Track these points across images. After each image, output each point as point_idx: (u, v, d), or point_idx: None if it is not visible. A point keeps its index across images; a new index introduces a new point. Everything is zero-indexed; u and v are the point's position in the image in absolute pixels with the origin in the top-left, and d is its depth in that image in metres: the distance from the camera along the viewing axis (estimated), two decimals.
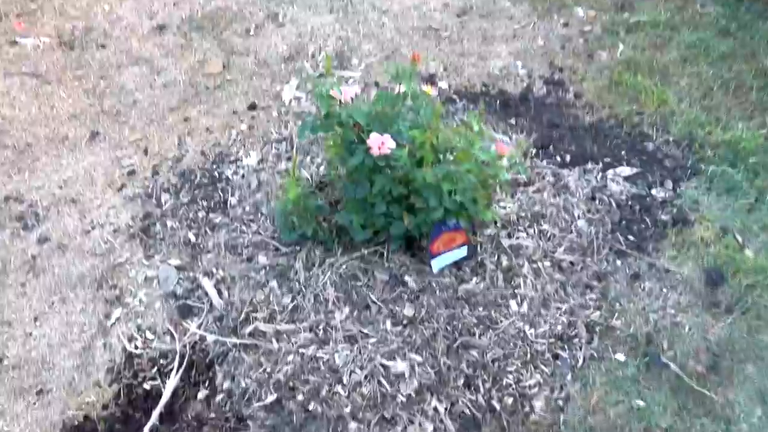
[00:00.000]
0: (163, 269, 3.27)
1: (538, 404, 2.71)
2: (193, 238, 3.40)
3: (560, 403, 2.74)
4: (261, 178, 3.62)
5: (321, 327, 2.80)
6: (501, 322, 2.89)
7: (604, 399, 2.78)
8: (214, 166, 3.81)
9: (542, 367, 2.86)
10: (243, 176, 3.68)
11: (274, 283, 2.99)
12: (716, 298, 3.14)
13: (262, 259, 3.13)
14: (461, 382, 2.70)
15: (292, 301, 2.91)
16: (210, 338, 2.91)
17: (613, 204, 3.49)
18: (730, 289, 3.17)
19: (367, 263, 3.02)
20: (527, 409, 2.70)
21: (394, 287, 2.93)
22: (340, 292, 2.91)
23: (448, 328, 2.84)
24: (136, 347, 3.00)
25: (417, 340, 2.78)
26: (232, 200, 3.55)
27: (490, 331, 2.87)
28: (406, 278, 2.96)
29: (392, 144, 2.51)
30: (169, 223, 3.49)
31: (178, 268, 3.27)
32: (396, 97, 2.62)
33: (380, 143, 2.49)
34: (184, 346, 2.97)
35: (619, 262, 3.28)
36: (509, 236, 3.16)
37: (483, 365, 2.75)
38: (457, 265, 3.03)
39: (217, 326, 2.96)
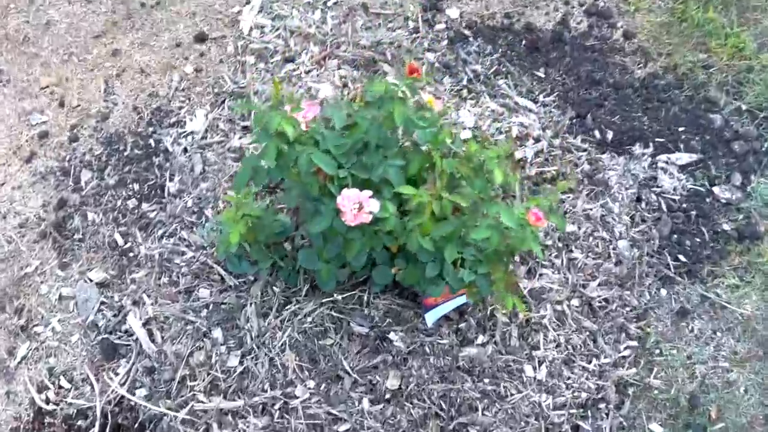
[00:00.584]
0: (82, 288, 2.54)
1: None
2: (120, 241, 2.64)
3: None
4: (207, 158, 2.76)
5: (277, 407, 2.14)
6: (512, 395, 2.24)
7: None
8: (150, 130, 2.93)
9: None
10: (185, 150, 2.82)
11: (218, 334, 2.29)
12: None
13: (203, 292, 2.40)
14: None
15: (240, 362, 2.23)
16: (139, 398, 2.27)
17: (664, 207, 2.69)
18: None
19: (341, 311, 2.30)
20: None
21: (375, 348, 2.24)
22: (303, 356, 2.22)
23: (444, 404, 2.20)
24: (48, 401, 2.37)
25: (402, 423, 2.15)
26: (171, 187, 2.73)
27: (497, 405, 2.23)
28: (392, 335, 2.25)
29: (375, 206, 1.68)
30: (90, 216, 2.71)
31: (101, 286, 2.55)
32: (382, 123, 1.74)
33: (356, 207, 1.66)
34: (108, 402, 2.34)
35: (664, 293, 2.57)
36: (530, 273, 2.41)
37: None
38: (460, 312, 2.31)
39: (149, 381, 2.31)
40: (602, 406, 2.34)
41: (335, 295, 2.29)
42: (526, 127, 2.72)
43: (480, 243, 1.76)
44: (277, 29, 3.20)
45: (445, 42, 3.13)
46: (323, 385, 2.18)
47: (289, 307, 2.29)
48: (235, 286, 2.39)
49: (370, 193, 1.68)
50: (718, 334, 2.51)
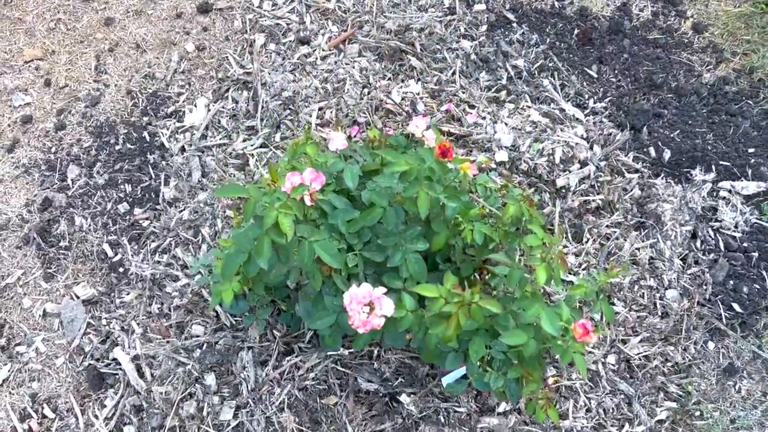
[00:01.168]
0: (68, 306, 2.32)
1: None
2: (109, 251, 2.38)
3: None
4: (207, 163, 2.44)
5: None
6: None
7: None
8: (145, 120, 2.60)
9: None
10: (183, 149, 2.50)
11: (211, 380, 2.06)
12: None
13: (196, 329, 2.15)
14: None
15: (234, 417, 2.01)
16: None
17: (722, 246, 2.36)
18: None
19: (347, 366, 2.05)
20: None
21: (384, 410, 2.00)
22: (303, 417, 1.99)
23: None
24: (31, 431, 2.19)
25: None
26: (167, 192, 2.43)
27: None
28: (403, 396, 2.01)
29: (389, 308, 1.38)
30: (77, 221, 2.44)
31: (88, 304, 2.31)
32: (403, 205, 1.41)
33: (366, 310, 1.37)
34: None
35: (711, 346, 2.28)
36: None
37: None
38: None
39: (137, 420, 2.11)
40: None
41: (341, 348, 2.03)
42: (572, 147, 2.35)
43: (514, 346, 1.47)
44: (292, 2, 2.79)
45: (484, 27, 2.70)
46: None
47: (289, 358, 2.05)
48: (231, 325, 2.14)
49: (383, 291, 1.38)
50: None
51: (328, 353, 2.04)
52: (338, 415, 2.00)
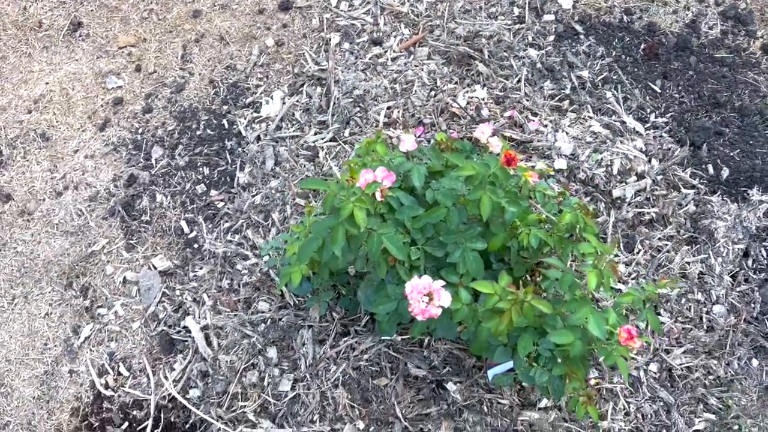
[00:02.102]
0: (146, 275, 2.53)
1: None
2: (186, 228, 2.58)
3: None
4: (280, 153, 2.61)
5: None
6: None
7: None
8: (225, 109, 2.79)
9: None
10: (258, 138, 2.68)
11: (272, 353, 2.24)
12: None
13: (262, 305, 2.33)
14: None
15: (292, 389, 2.18)
16: (192, 402, 2.28)
17: None
18: None
19: (399, 351, 2.19)
20: None
21: (431, 396, 2.13)
22: (355, 394, 2.14)
23: None
24: (107, 386, 2.41)
25: None
26: (241, 177, 2.61)
27: None
28: (449, 384, 2.14)
29: (447, 299, 1.51)
30: (158, 197, 2.65)
31: (164, 275, 2.52)
32: (467, 207, 1.53)
33: (425, 300, 1.50)
34: (163, 397, 2.37)
35: (755, 364, 2.33)
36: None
37: None
38: None
39: (202, 385, 2.30)
40: None
41: (395, 334, 2.17)
42: (630, 160, 2.42)
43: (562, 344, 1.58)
44: (368, 3, 2.93)
45: (552, 38, 2.78)
46: (372, 428, 2.12)
47: (346, 339, 2.20)
48: (294, 304, 2.31)
49: (442, 283, 1.51)
50: None
51: (382, 338, 2.18)
52: (387, 396, 2.14)
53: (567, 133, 2.47)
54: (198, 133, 2.75)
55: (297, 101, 2.72)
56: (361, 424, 2.12)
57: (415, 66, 2.73)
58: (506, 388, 2.13)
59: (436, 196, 1.57)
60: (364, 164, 1.82)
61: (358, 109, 2.63)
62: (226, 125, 2.75)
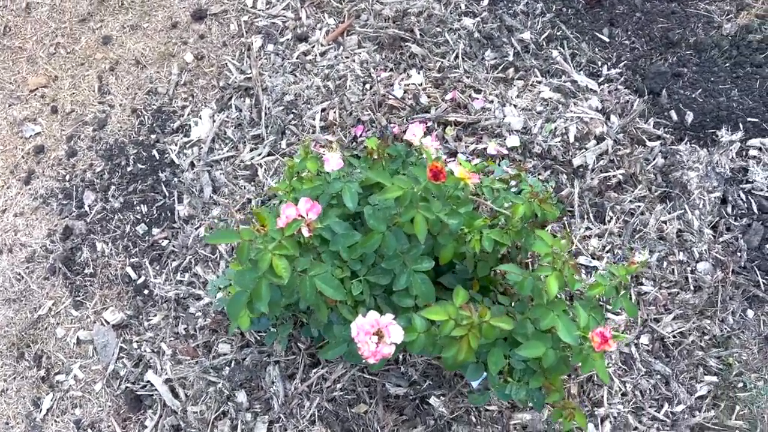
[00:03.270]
0: (99, 332, 2.36)
1: None
2: (132, 274, 2.41)
3: None
4: (216, 178, 2.42)
5: None
6: None
7: None
8: (153, 138, 2.59)
9: None
10: (193, 165, 2.49)
11: (242, 397, 2.09)
12: None
13: (223, 347, 2.17)
14: None
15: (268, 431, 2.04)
16: None
17: (755, 209, 2.25)
18: None
19: (374, 373, 2.04)
20: None
21: (415, 414, 1.99)
22: (335, 428, 2.00)
23: None
24: None
25: None
26: (181, 210, 2.43)
27: None
28: (432, 399, 2.00)
29: (398, 335, 1.35)
30: (99, 246, 2.47)
31: (118, 328, 2.36)
32: (402, 229, 1.36)
33: (375, 340, 1.34)
34: None
35: (751, 314, 2.20)
36: None
37: None
38: None
39: None
40: None
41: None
42: (586, 123, 2.25)
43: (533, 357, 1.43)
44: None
45: (486, 2, 2.58)
46: None
47: (316, 370, 2.05)
48: (256, 340, 2.15)
49: (391, 317, 1.35)
50: None
51: (354, 363, 2.04)
52: (370, 423, 2.00)
53: (515, 106, 2.29)
54: (129, 169, 2.56)
55: (227, 117, 2.53)
56: None
57: (346, 58, 2.53)
58: (493, 393, 2.00)
59: (369, 221, 1.40)
60: (293, 188, 1.65)
61: (291, 116, 2.44)
62: (157, 155, 2.56)
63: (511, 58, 2.45)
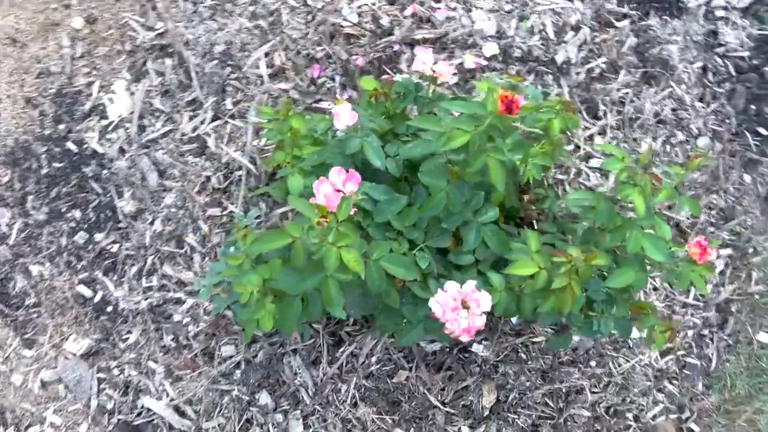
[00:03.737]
0: (66, 366, 2.01)
1: None
2: (87, 292, 2.04)
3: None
4: (158, 159, 2.05)
5: None
6: (620, 365, 1.93)
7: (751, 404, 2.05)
8: (62, 129, 2.15)
9: (668, 386, 2.03)
10: (123, 151, 2.09)
11: (265, 399, 1.84)
12: None
13: (227, 350, 1.89)
14: None
15: (305, 427, 1.82)
16: None
17: (733, 72, 2.19)
18: None
19: None
20: None
21: (459, 367, 1.84)
22: (380, 404, 1.81)
23: (550, 401, 1.88)
24: None
25: None
26: (124, 206, 2.06)
27: (605, 380, 1.93)
28: (474, 345, 1.84)
29: (487, 303, 1.15)
30: (34, 270, 2.06)
31: (88, 357, 2.01)
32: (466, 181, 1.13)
33: (463, 313, 1.13)
34: None
35: (748, 179, 2.18)
36: None
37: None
38: None
39: None
40: (705, 332, 2.08)
41: None
42: (559, 14, 2.06)
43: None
44: None
45: None
46: (413, 429, 1.82)
47: (343, 348, 1.83)
48: (264, 333, 1.89)
49: (473, 284, 1.14)
50: None
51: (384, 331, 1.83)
52: (415, 388, 1.83)
53: (482, 9, 2.05)
54: (44, 172, 2.12)
55: (148, 86, 2.12)
56: None
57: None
58: (537, 324, 1.87)
59: (425, 179, 1.16)
60: (295, 157, 1.37)
61: (228, 69, 2.07)
62: (74, 148, 2.13)
63: None
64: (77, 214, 2.09)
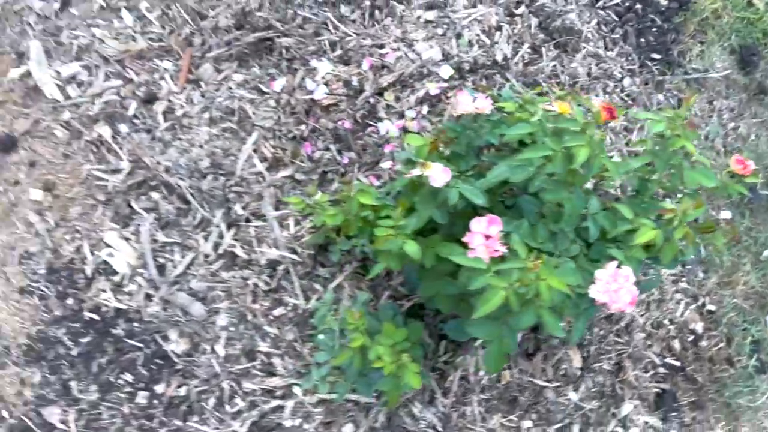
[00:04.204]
0: None
1: None
2: None
3: None
4: (194, 288, 2.01)
5: None
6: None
7: None
8: (72, 303, 2.04)
9: (681, 284, 2.40)
10: (149, 297, 2.02)
11: None
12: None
13: (348, 428, 1.94)
14: None
15: None
16: None
17: (614, 17, 2.59)
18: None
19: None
20: None
21: (545, 345, 2.05)
22: (503, 409, 1.97)
23: (619, 339, 2.16)
24: None
25: None
26: (175, 347, 2.00)
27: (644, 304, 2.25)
28: None
29: (633, 277, 1.36)
30: None
31: None
32: None
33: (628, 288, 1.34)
34: None
35: (661, 98, 2.60)
36: None
37: None
38: None
39: None
40: None
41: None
42: (481, 21, 2.32)
43: None
44: None
45: None
46: (535, 415, 2.01)
47: (450, 377, 1.97)
48: (375, 397, 1.97)
49: (614, 264, 1.35)
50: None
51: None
52: (521, 380, 2.02)
53: (420, 40, 2.25)
54: (74, 352, 2.01)
55: (142, 226, 2.07)
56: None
57: (218, 91, 2.20)
58: None
59: (546, 197, 1.34)
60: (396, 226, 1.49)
61: (223, 178, 2.09)
62: (95, 316, 2.03)
63: (373, 2, 2.36)
64: (128, 377, 2.02)
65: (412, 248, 1.44)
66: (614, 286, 1.34)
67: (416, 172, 1.42)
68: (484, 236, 1.29)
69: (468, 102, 1.56)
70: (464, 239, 1.31)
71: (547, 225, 1.38)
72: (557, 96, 1.56)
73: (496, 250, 1.27)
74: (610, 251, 1.41)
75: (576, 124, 1.31)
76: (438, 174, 1.43)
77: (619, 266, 1.38)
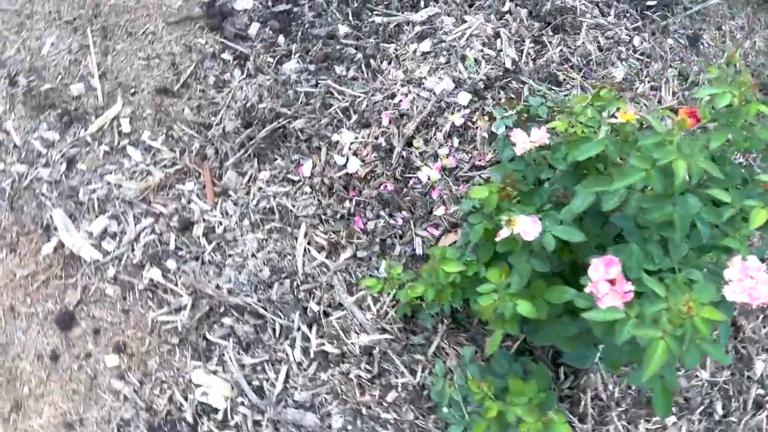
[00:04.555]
0: None
1: None
2: None
3: None
4: (300, 401, 1.95)
5: None
6: None
7: None
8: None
9: None
10: (257, 424, 1.97)
11: None
12: None
13: None
14: None
15: None
16: None
17: None
18: None
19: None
20: None
21: None
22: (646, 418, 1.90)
23: None
24: None
25: None
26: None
27: None
28: None
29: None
30: None
31: None
32: None
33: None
34: None
35: (671, 42, 2.51)
36: None
37: None
38: None
39: None
40: None
41: None
42: (478, 35, 2.25)
43: None
44: None
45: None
46: None
47: (582, 400, 1.90)
48: None
49: (739, 257, 1.28)
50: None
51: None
52: None
53: (427, 75, 2.18)
54: None
55: (230, 352, 2.01)
56: None
57: (248, 192, 2.15)
58: None
59: (650, 216, 1.27)
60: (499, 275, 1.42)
61: (288, 281, 2.03)
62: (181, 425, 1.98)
63: (365, 53, 2.30)
64: None
65: (526, 308, 1.37)
66: (749, 282, 1.27)
67: (505, 233, 1.35)
68: (608, 281, 1.23)
69: (524, 139, 1.49)
70: (586, 289, 1.24)
71: (653, 239, 1.31)
72: (595, 95, 1.48)
73: (627, 292, 1.20)
74: (726, 243, 1.34)
75: (656, 136, 1.25)
76: (528, 227, 1.36)
77: (743, 259, 1.30)
